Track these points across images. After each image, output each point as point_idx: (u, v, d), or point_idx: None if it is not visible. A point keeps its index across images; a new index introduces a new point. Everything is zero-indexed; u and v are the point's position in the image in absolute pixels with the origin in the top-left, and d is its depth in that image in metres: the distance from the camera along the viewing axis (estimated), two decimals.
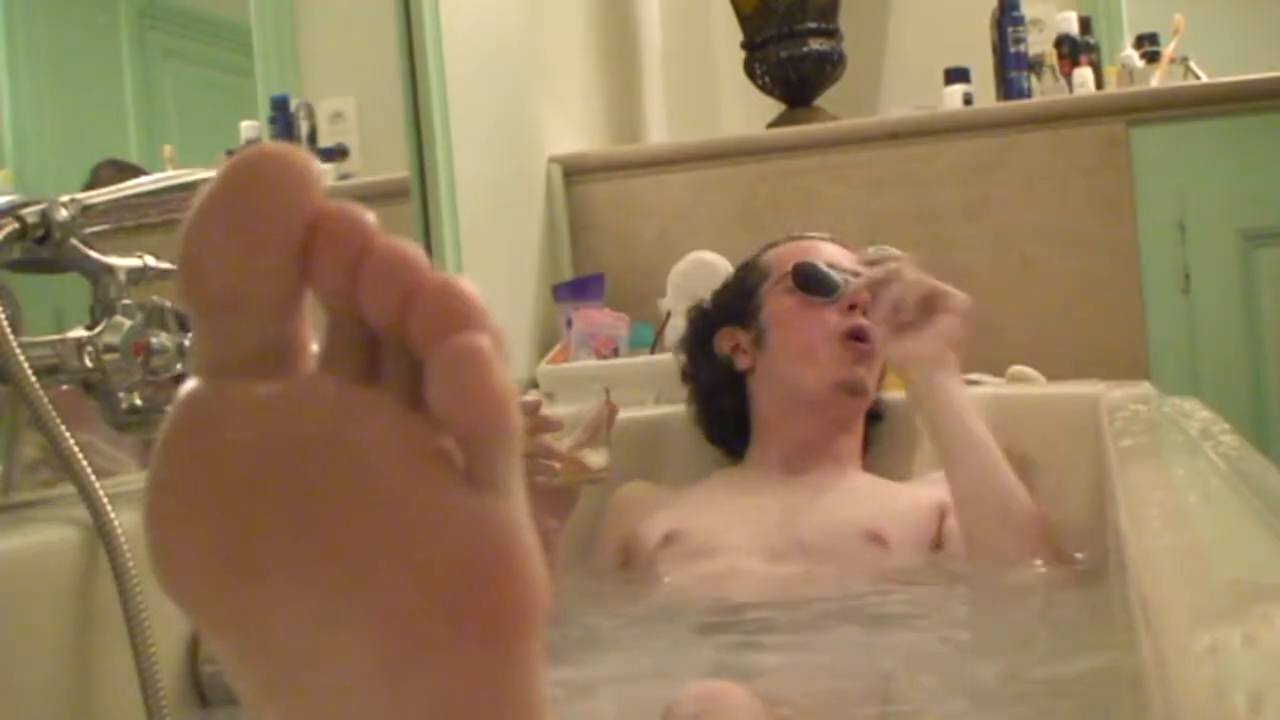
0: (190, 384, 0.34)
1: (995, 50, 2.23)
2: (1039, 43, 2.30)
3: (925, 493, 1.26)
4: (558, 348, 1.81)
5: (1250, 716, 0.29)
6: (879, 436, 1.42)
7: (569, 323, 1.79)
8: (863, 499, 1.26)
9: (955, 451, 1.18)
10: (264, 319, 0.33)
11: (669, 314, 1.78)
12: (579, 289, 1.88)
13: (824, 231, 1.73)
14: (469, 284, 0.33)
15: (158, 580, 0.33)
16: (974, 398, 1.31)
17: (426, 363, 0.32)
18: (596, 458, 1.12)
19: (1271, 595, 0.43)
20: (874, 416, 1.39)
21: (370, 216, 0.33)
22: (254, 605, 0.33)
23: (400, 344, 0.33)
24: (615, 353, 1.74)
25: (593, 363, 1.73)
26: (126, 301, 0.94)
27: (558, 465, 1.10)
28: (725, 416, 1.40)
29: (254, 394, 0.33)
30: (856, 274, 1.30)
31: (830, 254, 1.36)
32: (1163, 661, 0.36)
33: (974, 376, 1.70)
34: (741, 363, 1.36)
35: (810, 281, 1.32)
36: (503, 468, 0.33)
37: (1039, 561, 1.16)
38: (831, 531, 1.21)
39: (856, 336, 1.27)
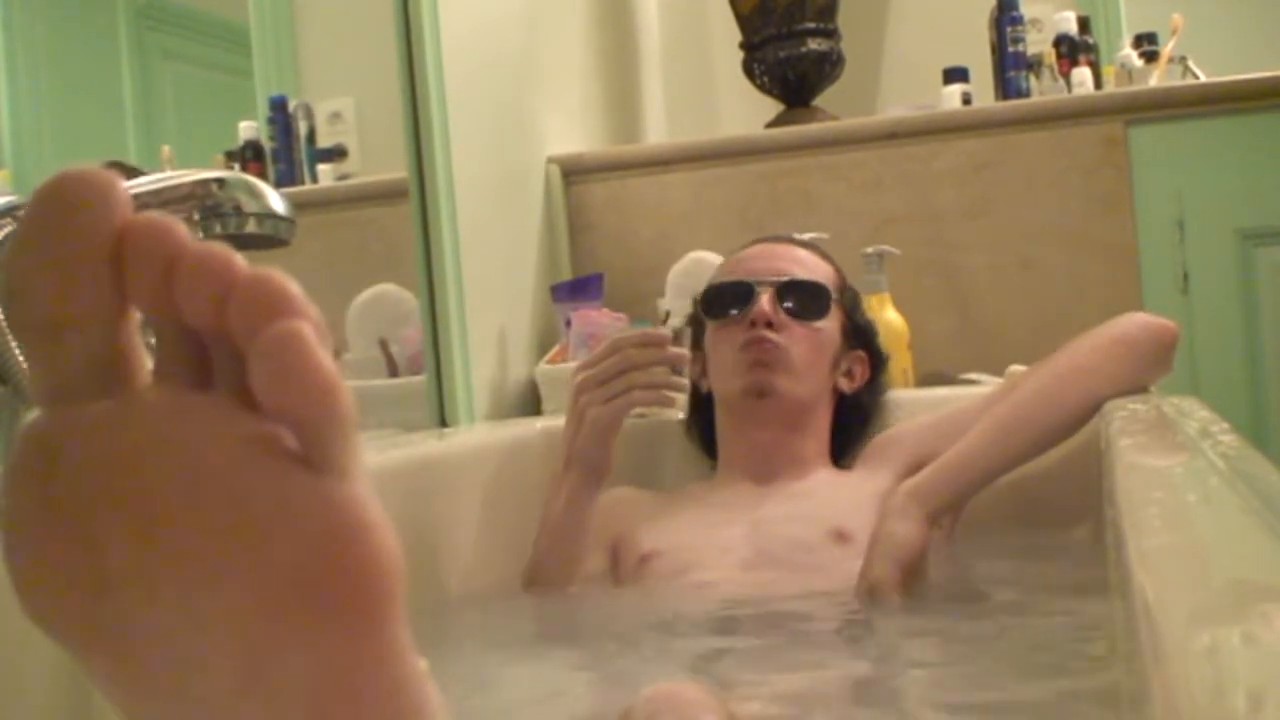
0: (30, 415, 0.35)
1: (994, 50, 2.24)
2: (1038, 42, 2.30)
3: (885, 467, 1.29)
4: (556, 348, 1.81)
5: (1250, 716, 0.29)
6: (873, 434, 1.42)
7: (567, 323, 1.79)
8: (824, 499, 1.28)
9: (1015, 456, 1.20)
10: (90, 339, 0.34)
11: (668, 314, 1.78)
12: (578, 289, 1.88)
13: (820, 232, 1.74)
14: (284, 275, 0.34)
15: (23, 610, 0.34)
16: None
17: (248, 355, 0.33)
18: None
19: (1271, 595, 0.43)
20: (854, 417, 1.40)
21: (179, 224, 0.34)
22: (114, 620, 0.33)
23: (226, 344, 0.34)
24: None
25: None
26: None
27: (679, 398, 1.23)
28: (704, 432, 1.43)
29: (88, 414, 0.34)
30: (775, 280, 1.33)
31: (752, 265, 1.37)
32: (1162, 661, 0.36)
33: (972, 376, 1.70)
34: (704, 385, 1.40)
35: (712, 306, 1.36)
36: (339, 449, 0.34)
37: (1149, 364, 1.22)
38: (796, 539, 1.23)
39: (751, 344, 1.30)
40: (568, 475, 1.25)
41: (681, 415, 1.24)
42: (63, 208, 0.33)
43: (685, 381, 1.23)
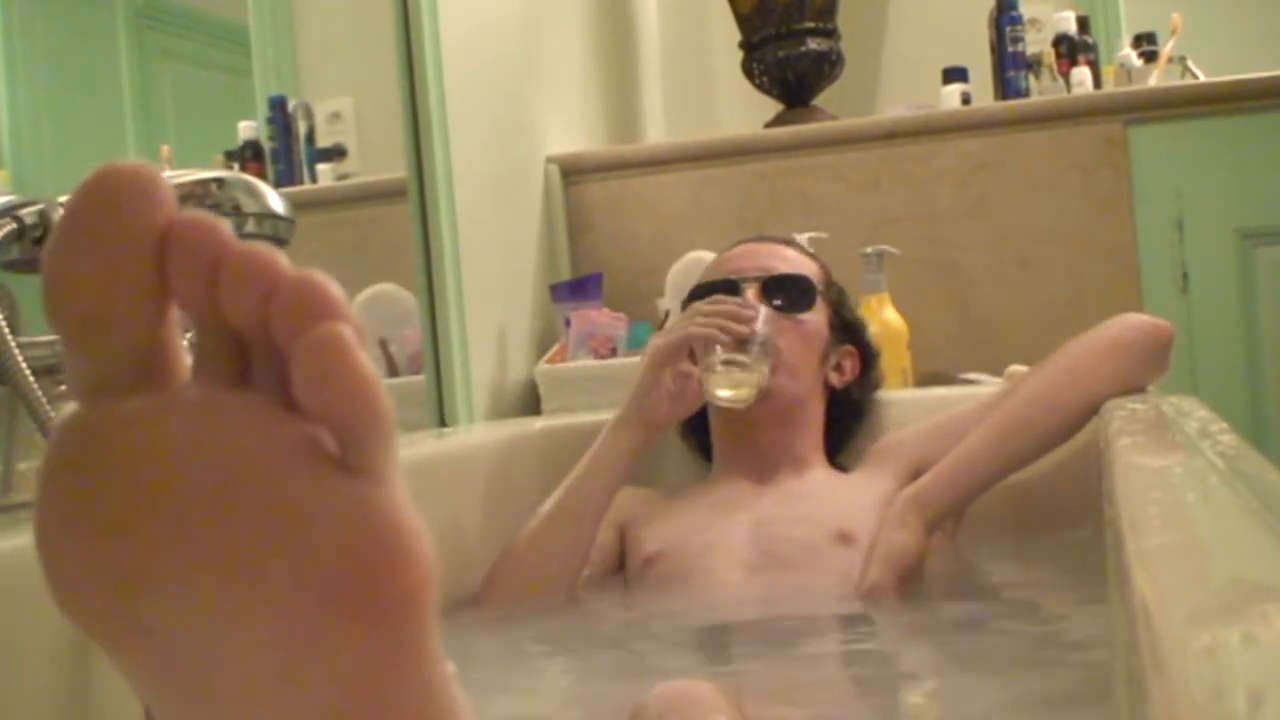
0: (68, 409, 0.35)
1: (993, 49, 2.24)
2: (1037, 42, 2.30)
3: (885, 470, 1.29)
4: (555, 347, 1.81)
5: (1249, 715, 0.29)
6: (873, 433, 1.42)
7: (567, 322, 1.79)
8: (826, 500, 1.28)
9: (1013, 458, 1.20)
10: (131, 335, 0.34)
11: (667, 314, 1.78)
12: (577, 289, 1.88)
13: (819, 232, 1.74)
14: (326, 278, 0.34)
15: (55, 602, 0.34)
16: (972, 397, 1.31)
17: (290, 357, 0.33)
18: (744, 376, 1.24)
19: (1270, 594, 0.43)
20: (846, 411, 1.40)
21: (224, 223, 0.34)
22: (149, 615, 0.33)
23: (266, 344, 0.34)
24: (613, 353, 1.74)
25: (591, 363, 1.73)
26: None
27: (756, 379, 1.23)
28: (699, 433, 1.43)
29: (127, 410, 0.34)
30: (761, 276, 1.33)
31: (737, 263, 1.38)
32: (1161, 661, 0.36)
33: (972, 376, 1.70)
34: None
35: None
36: (377, 453, 0.34)
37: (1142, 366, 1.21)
38: (800, 540, 1.23)
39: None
40: (623, 402, 1.28)
41: (750, 391, 1.24)
42: (107, 203, 0.33)
43: (746, 330, 1.23)
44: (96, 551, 0.33)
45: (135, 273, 0.33)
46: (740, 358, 1.22)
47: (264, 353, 0.34)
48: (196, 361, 0.35)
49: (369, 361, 0.33)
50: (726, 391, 1.24)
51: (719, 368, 1.23)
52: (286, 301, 0.33)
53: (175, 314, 0.35)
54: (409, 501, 0.34)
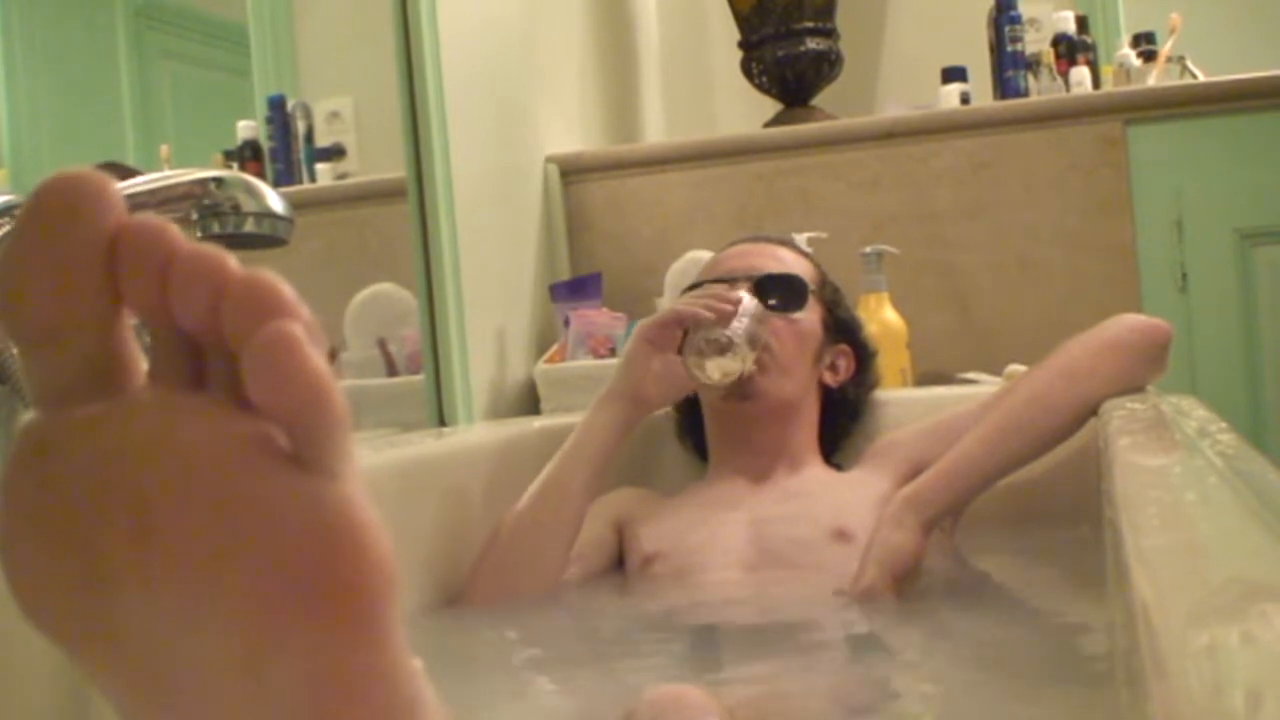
0: (27, 416, 0.35)
1: (992, 49, 2.24)
2: (1036, 42, 2.30)
3: (883, 470, 1.29)
4: (555, 347, 1.81)
5: (1249, 715, 0.29)
6: (871, 432, 1.42)
7: (566, 322, 1.79)
8: (823, 498, 1.28)
9: (1009, 458, 1.19)
10: (86, 341, 0.34)
11: None
12: (576, 288, 1.88)
13: (818, 231, 1.74)
14: (276, 276, 0.34)
15: (19, 607, 0.35)
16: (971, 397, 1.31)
17: (241, 356, 0.33)
18: (728, 362, 1.24)
19: (1269, 593, 0.43)
20: (842, 411, 1.41)
21: (172, 226, 0.34)
22: (111, 617, 0.34)
23: (219, 345, 0.34)
24: (612, 352, 1.74)
25: (590, 362, 1.73)
26: None
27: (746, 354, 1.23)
28: (695, 434, 1.44)
29: (84, 415, 0.34)
30: (753, 276, 1.33)
31: (730, 264, 1.38)
32: (1161, 660, 0.36)
33: (971, 376, 1.70)
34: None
35: None
36: (330, 449, 0.34)
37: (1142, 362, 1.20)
38: (798, 538, 1.23)
39: None
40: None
41: (731, 375, 1.24)
42: (56, 211, 0.34)
43: (731, 309, 1.24)
44: (58, 556, 0.34)
45: (86, 279, 0.34)
46: (723, 337, 1.23)
47: (217, 354, 0.34)
48: (152, 365, 0.36)
49: (320, 358, 0.33)
50: (710, 369, 1.24)
51: (702, 345, 1.24)
52: (236, 301, 0.33)
53: (129, 319, 0.35)
54: (365, 497, 0.34)
